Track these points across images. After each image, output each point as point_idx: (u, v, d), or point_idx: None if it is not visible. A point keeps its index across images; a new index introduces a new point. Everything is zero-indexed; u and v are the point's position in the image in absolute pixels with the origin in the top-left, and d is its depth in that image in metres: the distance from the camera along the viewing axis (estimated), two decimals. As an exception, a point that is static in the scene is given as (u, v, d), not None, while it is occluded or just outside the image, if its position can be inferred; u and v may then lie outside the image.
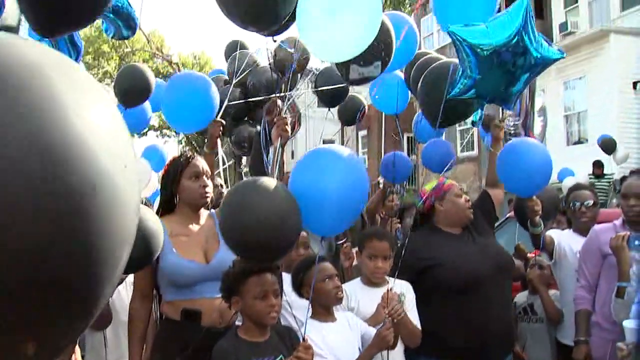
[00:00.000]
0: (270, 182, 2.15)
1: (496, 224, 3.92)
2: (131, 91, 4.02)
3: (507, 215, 5.34)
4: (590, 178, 10.11)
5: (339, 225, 2.45)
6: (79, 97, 0.55)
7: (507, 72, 2.84)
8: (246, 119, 4.51)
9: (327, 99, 4.48)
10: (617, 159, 10.35)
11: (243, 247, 2.16)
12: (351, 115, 4.95)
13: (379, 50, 2.79)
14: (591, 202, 3.75)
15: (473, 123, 3.94)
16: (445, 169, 3.89)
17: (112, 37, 3.59)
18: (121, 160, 0.58)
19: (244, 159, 6.04)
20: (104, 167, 0.55)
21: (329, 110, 4.51)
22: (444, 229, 3.20)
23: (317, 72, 4.66)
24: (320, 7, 2.37)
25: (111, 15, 3.18)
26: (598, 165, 10.71)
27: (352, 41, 2.47)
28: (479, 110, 3.49)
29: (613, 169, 10.77)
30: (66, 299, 0.58)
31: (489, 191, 3.47)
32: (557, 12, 17.17)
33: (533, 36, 2.78)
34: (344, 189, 2.18)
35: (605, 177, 10.58)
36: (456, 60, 2.96)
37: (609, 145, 10.22)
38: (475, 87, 2.86)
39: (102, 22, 3.42)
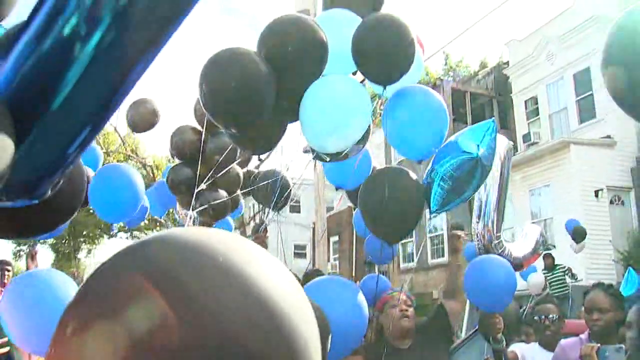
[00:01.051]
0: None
1: (465, 337, 3.89)
2: None
3: (476, 328, 5.31)
4: (544, 273, 10.11)
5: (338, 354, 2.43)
6: (267, 265, 0.66)
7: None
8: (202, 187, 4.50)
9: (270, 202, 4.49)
10: (575, 247, 10.46)
11: None
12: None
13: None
14: (555, 316, 3.79)
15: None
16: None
17: None
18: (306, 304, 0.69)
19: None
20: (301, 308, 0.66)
21: (278, 213, 4.52)
22: (392, 343, 3.16)
23: (254, 176, 4.69)
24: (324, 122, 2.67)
25: None
26: (548, 256, 10.68)
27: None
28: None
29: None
30: None
31: (444, 304, 3.37)
32: (520, 124, 18.05)
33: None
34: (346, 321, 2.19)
35: (557, 267, 10.61)
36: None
37: (580, 233, 10.30)
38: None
39: None
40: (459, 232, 3.60)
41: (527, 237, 6.16)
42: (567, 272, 10.51)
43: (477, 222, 5.00)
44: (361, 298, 2.37)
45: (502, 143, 5.43)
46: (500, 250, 4.79)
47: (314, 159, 3.14)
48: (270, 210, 3.97)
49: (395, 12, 2.79)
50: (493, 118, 3.42)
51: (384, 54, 2.70)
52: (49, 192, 1.29)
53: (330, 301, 2.19)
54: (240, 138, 2.94)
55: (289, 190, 4.47)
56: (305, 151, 3.27)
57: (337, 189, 3.87)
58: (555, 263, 10.63)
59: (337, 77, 2.81)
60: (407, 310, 3.16)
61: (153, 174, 21.43)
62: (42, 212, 1.37)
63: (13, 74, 1.13)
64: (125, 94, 1.23)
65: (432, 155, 3.17)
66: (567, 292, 10.28)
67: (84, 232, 28.92)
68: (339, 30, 2.82)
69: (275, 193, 4.03)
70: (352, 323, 2.24)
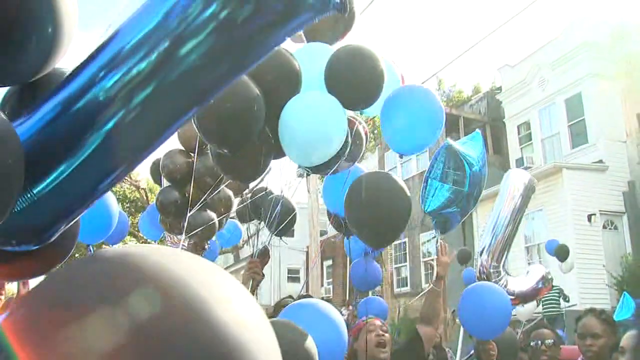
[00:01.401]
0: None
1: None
2: None
3: (471, 353, 5.28)
4: None
5: None
6: (234, 295, 0.66)
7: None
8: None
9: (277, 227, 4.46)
10: (562, 266, 10.50)
11: None
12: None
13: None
14: (552, 341, 3.78)
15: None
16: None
17: None
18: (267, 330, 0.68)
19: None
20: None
21: (281, 238, 4.51)
22: None
23: (256, 196, 4.73)
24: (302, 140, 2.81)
25: None
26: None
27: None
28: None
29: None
30: None
31: (418, 329, 3.31)
32: (513, 148, 18.16)
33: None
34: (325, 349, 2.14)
35: (553, 288, 10.64)
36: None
37: (564, 252, 10.37)
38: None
39: None
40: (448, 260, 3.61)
41: (530, 275, 6.13)
42: (560, 293, 10.57)
43: (481, 252, 5.02)
44: (341, 324, 2.35)
45: (524, 177, 5.48)
46: (494, 280, 4.80)
47: (305, 173, 3.19)
48: (272, 234, 3.95)
49: (364, 43, 2.94)
50: (478, 130, 3.53)
51: (353, 83, 2.85)
52: (55, 237, 1.29)
53: (309, 327, 2.16)
54: (228, 166, 2.98)
55: (293, 214, 4.48)
56: (299, 175, 3.28)
57: (329, 216, 3.86)
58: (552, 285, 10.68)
59: (312, 92, 2.91)
60: (383, 336, 3.10)
61: (147, 196, 21.33)
62: (40, 256, 1.36)
63: (36, 130, 1.22)
64: (143, 157, 1.33)
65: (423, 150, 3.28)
66: (559, 312, 10.30)
67: (76, 255, 28.71)
68: (314, 61, 2.95)
69: (277, 216, 4.02)
70: (331, 349, 2.22)
